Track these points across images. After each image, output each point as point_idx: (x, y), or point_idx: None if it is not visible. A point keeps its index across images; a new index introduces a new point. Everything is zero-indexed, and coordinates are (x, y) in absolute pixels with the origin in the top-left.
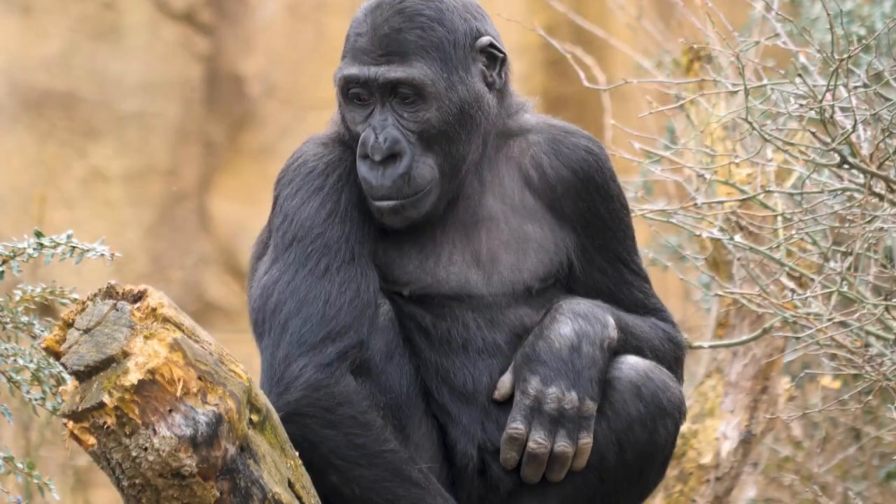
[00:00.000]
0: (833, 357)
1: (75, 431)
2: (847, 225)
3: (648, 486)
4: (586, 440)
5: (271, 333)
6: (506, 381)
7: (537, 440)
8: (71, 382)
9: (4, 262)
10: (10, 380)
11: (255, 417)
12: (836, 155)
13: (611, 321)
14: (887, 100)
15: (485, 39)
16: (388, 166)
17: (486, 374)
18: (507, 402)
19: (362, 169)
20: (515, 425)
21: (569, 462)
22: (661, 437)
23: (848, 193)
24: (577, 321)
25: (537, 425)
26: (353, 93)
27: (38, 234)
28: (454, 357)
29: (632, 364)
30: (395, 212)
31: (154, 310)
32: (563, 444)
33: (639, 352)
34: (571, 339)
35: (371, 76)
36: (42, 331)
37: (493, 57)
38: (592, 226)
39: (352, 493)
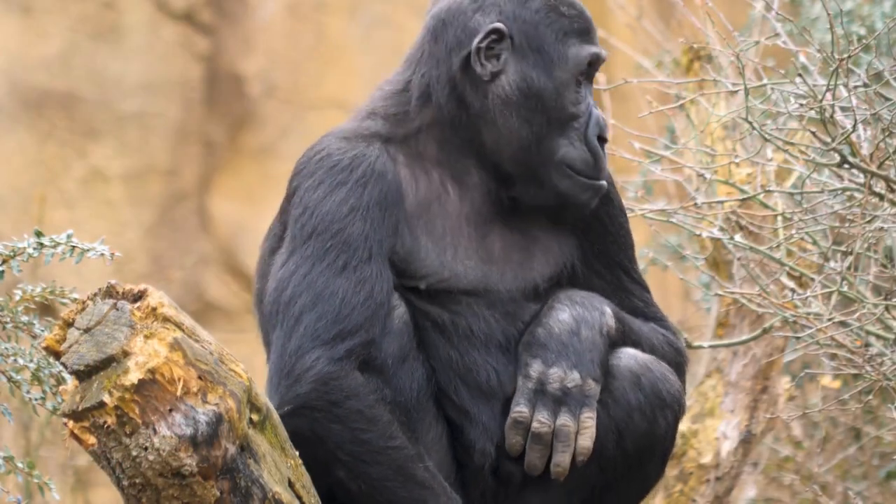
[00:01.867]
0: (833, 357)
1: (75, 431)
2: (847, 225)
3: (649, 480)
4: (588, 415)
5: (284, 325)
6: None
7: (540, 420)
8: (71, 382)
9: (4, 261)
10: (10, 380)
11: (255, 417)
12: (836, 155)
13: (608, 310)
14: (887, 99)
15: None
16: (603, 147)
17: (507, 371)
18: None
19: (597, 149)
20: (519, 409)
21: (572, 440)
22: (660, 428)
23: (848, 193)
24: (575, 308)
25: (541, 406)
26: (590, 73)
27: (38, 234)
28: (475, 353)
29: (631, 354)
30: (601, 192)
31: (154, 309)
32: (565, 419)
33: (637, 346)
34: (570, 325)
35: (603, 56)
36: (42, 330)
37: None
38: (593, 230)
39: (358, 490)
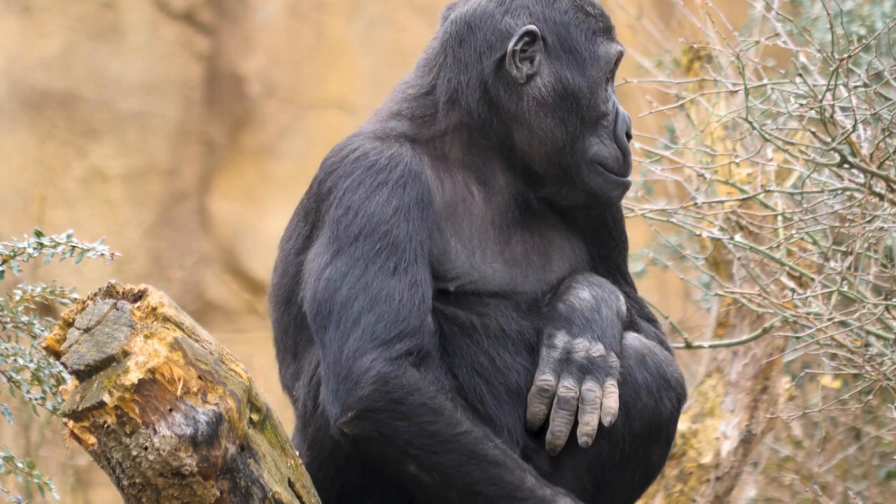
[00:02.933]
0: (833, 357)
1: (75, 431)
2: (847, 224)
3: (653, 467)
4: (612, 382)
5: (340, 326)
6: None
7: (566, 385)
8: (71, 382)
9: (4, 261)
10: (10, 380)
11: (255, 417)
12: (836, 154)
13: (621, 296)
14: (887, 99)
15: None
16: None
17: (534, 371)
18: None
19: (627, 146)
20: (545, 377)
21: (598, 404)
22: (666, 409)
23: (848, 193)
24: (594, 288)
25: (566, 374)
26: (614, 71)
27: (38, 234)
28: (506, 354)
29: (635, 336)
30: (628, 188)
31: (154, 309)
32: (590, 385)
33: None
34: (591, 302)
35: (624, 53)
36: (42, 330)
37: None
38: (599, 235)
39: (432, 481)
